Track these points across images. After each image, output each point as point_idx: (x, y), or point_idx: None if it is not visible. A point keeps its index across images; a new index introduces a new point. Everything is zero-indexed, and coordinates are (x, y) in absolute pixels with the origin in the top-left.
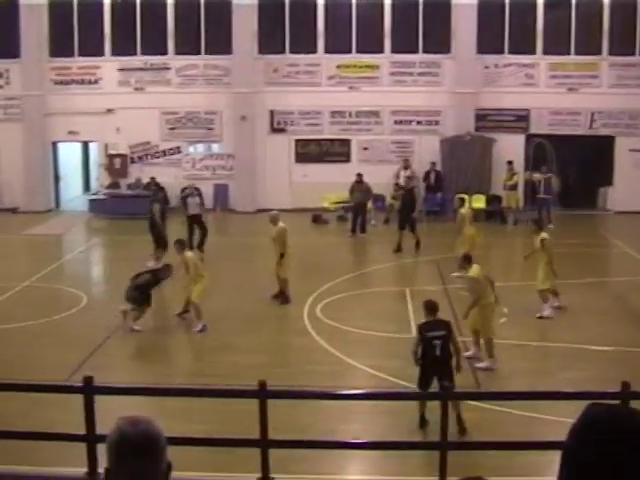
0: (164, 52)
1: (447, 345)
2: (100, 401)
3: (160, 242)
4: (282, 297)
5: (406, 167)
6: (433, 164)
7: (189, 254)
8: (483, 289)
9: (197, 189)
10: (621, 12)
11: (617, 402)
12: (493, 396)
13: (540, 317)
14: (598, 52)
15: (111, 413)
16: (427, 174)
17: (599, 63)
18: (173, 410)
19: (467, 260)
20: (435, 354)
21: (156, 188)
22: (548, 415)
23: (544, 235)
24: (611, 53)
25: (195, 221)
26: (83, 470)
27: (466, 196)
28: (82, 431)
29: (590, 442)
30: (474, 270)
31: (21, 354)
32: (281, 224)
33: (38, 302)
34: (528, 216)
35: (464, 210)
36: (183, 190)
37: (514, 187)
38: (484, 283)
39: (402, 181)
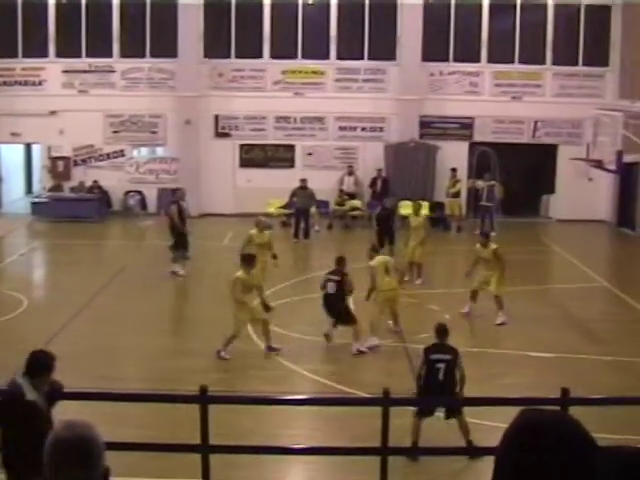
0: (109, 55)
1: (452, 371)
2: None
3: (180, 243)
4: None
5: (350, 173)
6: (379, 170)
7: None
8: (376, 279)
9: (140, 192)
10: (564, 22)
11: (551, 408)
12: (434, 402)
13: (500, 324)
14: (542, 62)
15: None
16: (374, 180)
17: (543, 72)
18: (113, 415)
19: (374, 250)
20: (438, 378)
21: (172, 190)
22: (490, 421)
23: (494, 245)
24: (554, 63)
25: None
26: None
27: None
28: None
29: (520, 447)
30: (377, 260)
31: None
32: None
33: None
34: (471, 223)
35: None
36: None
37: (457, 194)
38: (378, 273)
39: (346, 187)
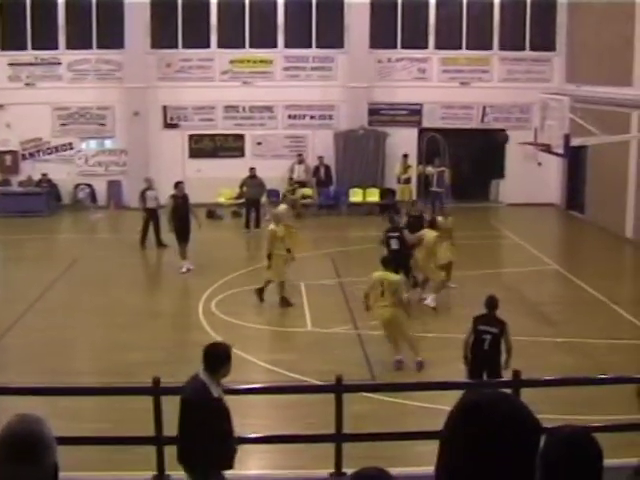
0: (55, 46)
1: (497, 343)
2: None
3: (182, 236)
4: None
5: (300, 162)
6: (321, 158)
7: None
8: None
9: (89, 185)
10: (511, 8)
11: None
12: (388, 388)
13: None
14: (489, 47)
15: (5, 414)
16: (316, 169)
17: (490, 58)
18: (67, 409)
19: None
20: (483, 348)
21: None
22: (443, 405)
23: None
24: (502, 48)
25: (151, 215)
26: None
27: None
28: None
29: (462, 427)
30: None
31: None
32: (272, 226)
33: None
34: (422, 209)
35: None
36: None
37: (408, 180)
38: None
39: (296, 176)
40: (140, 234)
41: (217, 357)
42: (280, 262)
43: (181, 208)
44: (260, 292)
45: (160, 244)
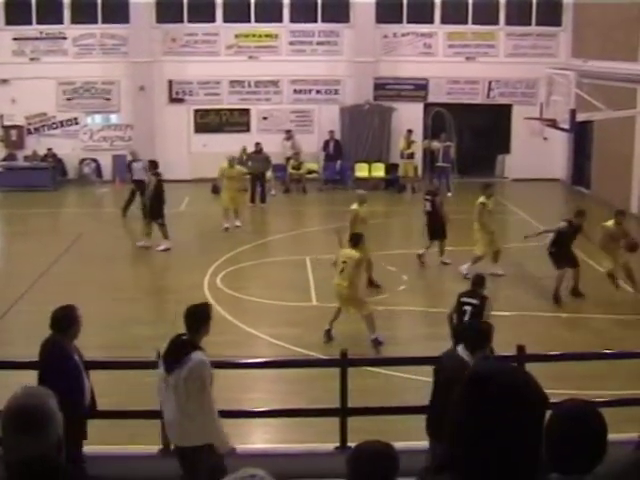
0: (60, 21)
1: (478, 315)
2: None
3: (162, 215)
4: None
5: (288, 138)
6: (331, 132)
7: None
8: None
9: (95, 160)
10: None
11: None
12: (393, 362)
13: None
14: (495, 22)
15: (12, 388)
16: (326, 143)
17: (496, 33)
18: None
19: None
20: (464, 320)
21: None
22: None
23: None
24: (508, 23)
25: (139, 187)
26: None
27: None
28: None
29: (470, 397)
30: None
31: None
32: (355, 205)
33: None
34: (427, 185)
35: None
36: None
37: (411, 156)
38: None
39: (287, 152)
40: (124, 204)
41: (482, 336)
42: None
43: (162, 187)
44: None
45: (125, 214)
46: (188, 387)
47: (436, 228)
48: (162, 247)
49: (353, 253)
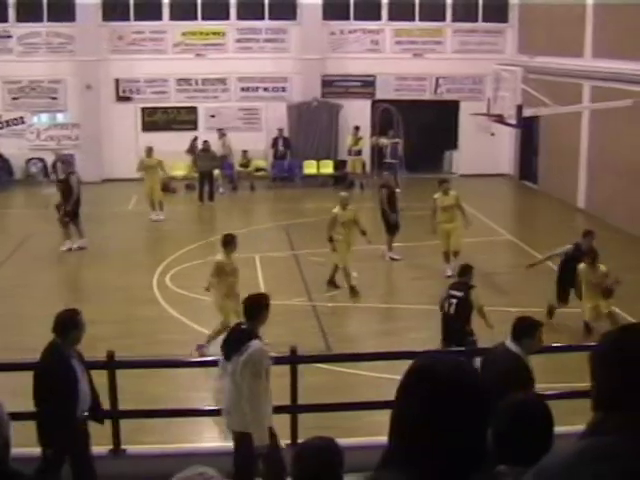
0: (5, 19)
1: (462, 308)
2: None
3: (74, 214)
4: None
5: (220, 137)
6: (280, 130)
7: None
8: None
9: (42, 159)
10: None
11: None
12: (343, 358)
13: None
14: (442, 18)
15: None
16: (275, 140)
17: (443, 29)
18: (20, 386)
19: None
20: (449, 312)
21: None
22: (397, 375)
23: (454, 191)
24: (455, 19)
25: (64, 186)
26: None
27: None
28: None
29: (413, 391)
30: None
31: None
32: (335, 209)
33: None
34: (375, 181)
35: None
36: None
37: (359, 152)
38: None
39: (221, 151)
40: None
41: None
42: (343, 247)
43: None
44: (331, 280)
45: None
46: (244, 374)
47: (384, 222)
48: (65, 247)
49: (217, 257)
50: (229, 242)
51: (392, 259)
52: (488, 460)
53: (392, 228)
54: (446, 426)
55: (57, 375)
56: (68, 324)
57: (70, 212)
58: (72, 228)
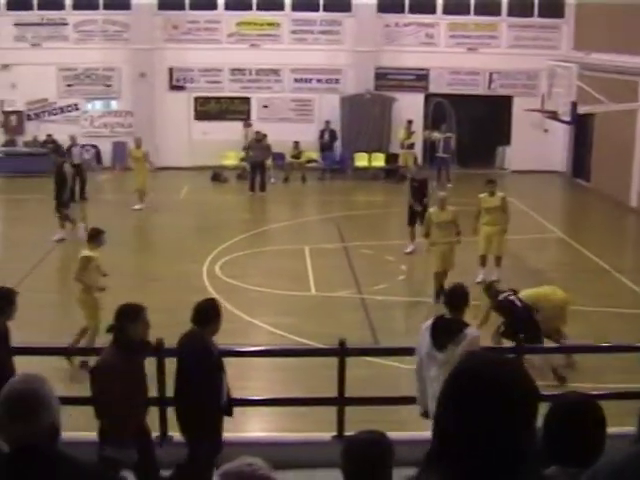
0: (61, 7)
1: None
2: None
3: (67, 204)
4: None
5: (246, 127)
6: (327, 123)
7: None
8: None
9: (95, 146)
10: None
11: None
12: (391, 352)
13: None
14: (497, 13)
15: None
16: (322, 133)
17: (498, 24)
18: (71, 371)
19: None
20: None
21: (54, 146)
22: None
23: (501, 193)
24: (510, 14)
25: (77, 170)
26: None
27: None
28: None
29: (459, 391)
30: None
31: None
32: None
33: None
34: (425, 175)
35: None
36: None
37: (411, 146)
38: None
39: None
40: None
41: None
42: (437, 252)
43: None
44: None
45: (83, 198)
46: None
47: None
48: (57, 237)
49: (83, 252)
50: (94, 237)
51: (405, 253)
52: (539, 461)
53: (412, 219)
54: (491, 426)
55: (206, 364)
56: (211, 314)
57: (67, 202)
58: (64, 217)
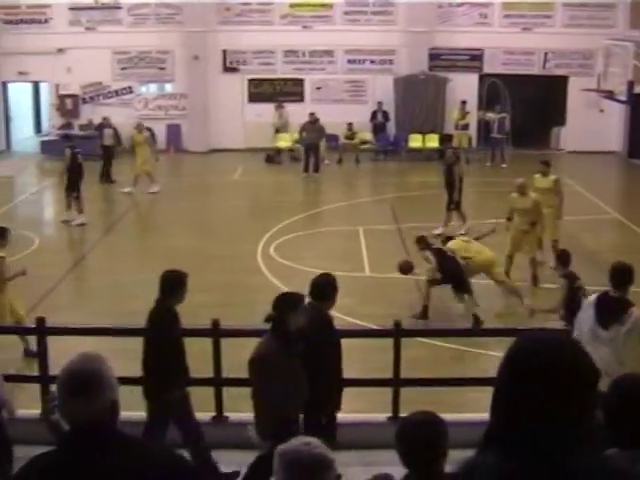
0: None
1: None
2: (54, 342)
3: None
4: (533, 280)
5: (277, 108)
6: (380, 104)
7: None
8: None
9: (149, 129)
10: None
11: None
12: (445, 333)
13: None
14: None
15: (65, 354)
16: (374, 114)
17: (553, 3)
18: (127, 350)
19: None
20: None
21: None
22: (499, 352)
23: (555, 176)
24: None
25: (107, 152)
26: (37, 412)
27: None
28: (35, 372)
29: (515, 372)
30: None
31: None
32: (532, 194)
33: None
34: (480, 155)
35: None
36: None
37: (466, 127)
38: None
39: (276, 123)
40: (101, 172)
41: None
42: (516, 236)
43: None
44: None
45: (110, 181)
46: (627, 340)
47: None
48: (77, 221)
49: None
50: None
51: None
52: (599, 442)
53: (449, 204)
54: (548, 407)
55: (329, 340)
56: (328, 288)
57: (69, 185)
58: (73, 203)
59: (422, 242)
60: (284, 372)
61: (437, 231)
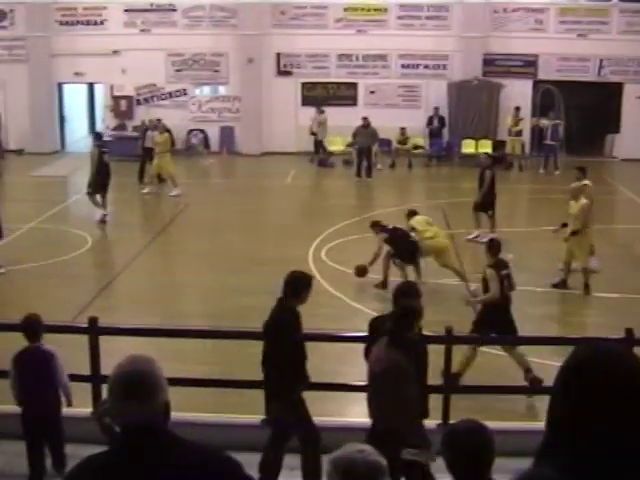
0: None
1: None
2: (105, 342)
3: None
4: (585, 289)
5: (319, 113)
6: (436, 109)
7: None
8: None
9: (202, 131)
10: None
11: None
12: (497, 341)
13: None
14: None
15: (116, 354)
16: (430, 119)
17: (609, 9)
18: (179, 352)
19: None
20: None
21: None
22: (553, 361)
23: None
24: None
25: (149, 154)
26: (88, 410)
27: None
28: (87, 372)
29: (573, 383)
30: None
31: (26, 295)
32: (584, 199)
33: (44, 243)
34: (533, 162)
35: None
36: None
37: (519, 133)
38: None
39: (314, 127)
40: (139, 172)
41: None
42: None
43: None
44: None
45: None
46: None
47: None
48: (98, 217)
49: None
50: None
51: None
52: None
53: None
54: (606, 421)
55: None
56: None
57: (97, 185)
58: (99, 199)
59: (376, 226)
60: (412, 376)
61: (474, 236)
